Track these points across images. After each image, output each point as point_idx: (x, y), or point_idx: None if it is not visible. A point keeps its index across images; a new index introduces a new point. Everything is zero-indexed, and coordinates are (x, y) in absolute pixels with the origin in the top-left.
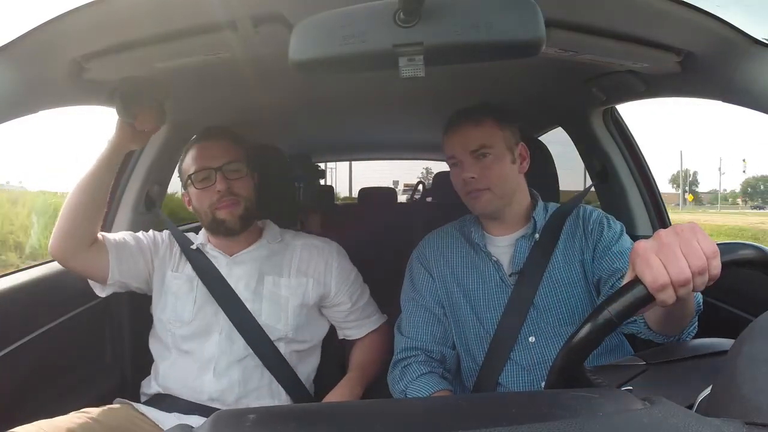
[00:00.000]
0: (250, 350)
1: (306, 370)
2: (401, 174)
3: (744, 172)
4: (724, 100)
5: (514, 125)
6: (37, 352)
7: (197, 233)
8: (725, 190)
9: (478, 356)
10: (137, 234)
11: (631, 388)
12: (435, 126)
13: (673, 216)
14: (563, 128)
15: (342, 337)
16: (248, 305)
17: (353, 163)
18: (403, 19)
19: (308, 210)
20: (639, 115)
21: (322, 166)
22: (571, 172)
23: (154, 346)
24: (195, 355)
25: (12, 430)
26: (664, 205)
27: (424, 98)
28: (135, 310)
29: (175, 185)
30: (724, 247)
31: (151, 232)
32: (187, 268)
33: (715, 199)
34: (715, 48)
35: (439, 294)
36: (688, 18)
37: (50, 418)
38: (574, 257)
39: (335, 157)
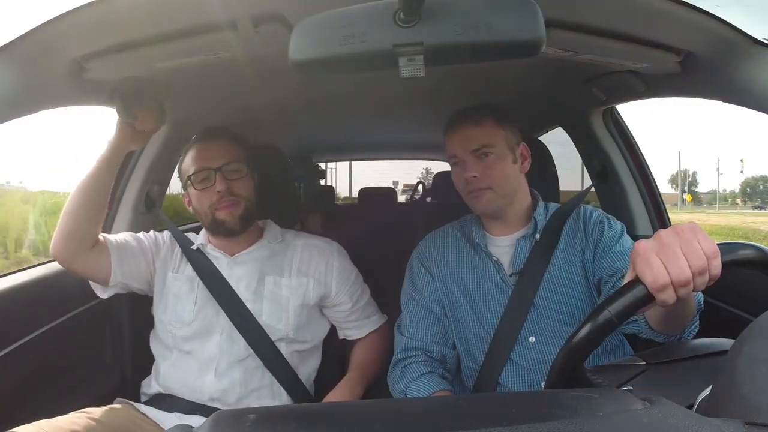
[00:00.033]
0: (251, 351)
1: (307, 370)
2: (401, 174)
3: (742, 172)
4: (724, 100)
5: (514, 125)
6: (37, 352)
7: (197, 233)
8: (725, 190)
9: (478, 356)
10: (138, 235)
11: (631, 388)
12: (435, 126)
13: (672, 216)
14: (563, 128)
15: (342, 338)
16: (249, 305)
17: (353, 163)
18: (403, 19)
19: (308, 210)
20: (638, 116)
21: (322, 166)
22: (570, 172)
23: (154, 346)
24: (196, 355)
25: (12, 430)
26: (664, 205)
27: (424, 98)
28: (135, 310)
29: (178, 185)
30: (724, 247)
31: (152, 232)
32: (188, 269)
33: (714, 200)
34: (715, 48)
35: (439, 294)
36: (688, 18)
37: (50, 418)
38: (574, 257)
39: (335, 157)
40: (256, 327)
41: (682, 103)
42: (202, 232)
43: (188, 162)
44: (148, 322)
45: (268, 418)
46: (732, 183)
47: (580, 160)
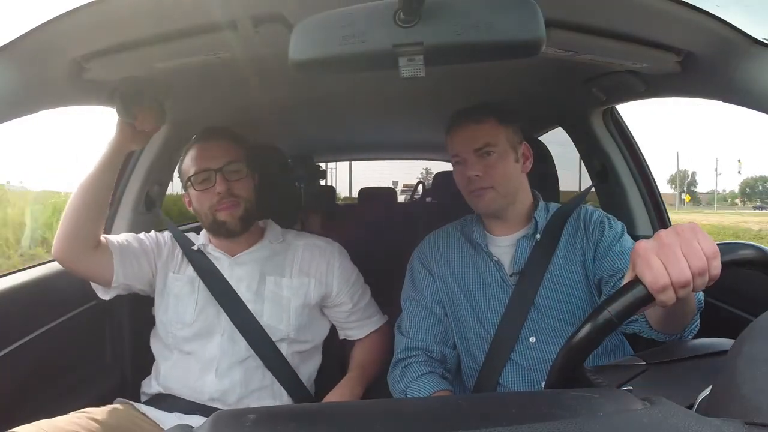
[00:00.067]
0: (252, 351)
1: (307, 370)
2: (401, 174)
3: (739, 172)
4: (724, 100)
5: (516, 124)
6: (37, 352)
7: (198, 233)
8: (725, 190)
9: (478, 356)
10: (139, 235)
11: (631, 388)
12: (435, 126)
13: (670, 216)
14: (563, 128)
15: (343, 338)
16: (250, 306)
17: (353, 163)
18: (403, 19)
19: (309, 210)
20: (637, 116)
21: (323, 166)
22: (569, 173)
23: (155, 346)
24: (197, 355)
25: (12, 430)
26: (664, 205)
27: (424, 98)
28: (135, 310)
29: (179, 185)
30: (724, 248)
31: (152, 233)
32: (189, 270)
33: (714, 200)
34: (715, 48)
35: (439, 294)
36: (688, 18)
37: (50, 418)
38: (575, 257)
39: (335, 157)
40: (257, 328)
41: (681, 103)
42: (203, 232)
43: (188, 162)
44: (148, 322)
45: (268, 418)
46: (732, 183)
47: (578, 160)
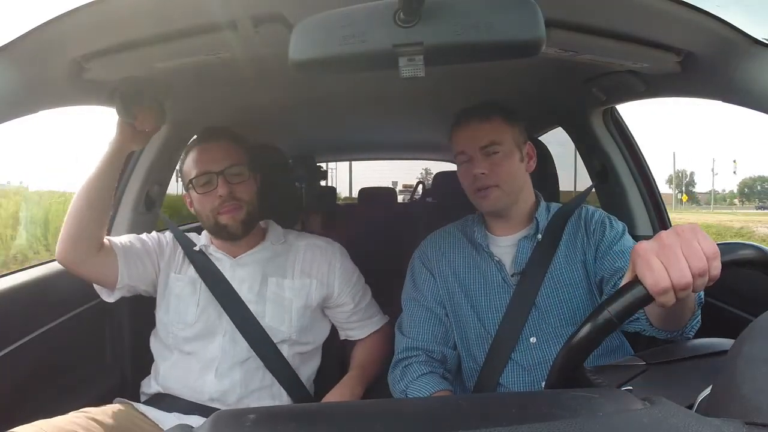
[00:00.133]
0: (253, 352)
1: (307, 371)
2: (401, 174)
3: (734, 173)
4: (724, 100)
5: (520, 124)
6: (37, 352)
7: (199, 233)
8: (724, 190)
9: (479, 356)
10: (141, 236)
11: (631, 388)
12: (435, 126)
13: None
14: (563, 128)
15: (344, 338)
16: (251, 307)
17: (353, 163)
18: (403, 19)
19: (309, 210)
20: (636, 117)
21: (323, 166)
22: (567, 173)
23: (154, 346)
24: (197, 356)
25: (12, 430)
26: (664, 205)
27: (424, 98)
28: (135, 310)
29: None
30: (724, 248)
31: (154, 233)
32: (190, 270)
33: (713, 200)
34: (715, 48)
35: (440, 294)
36: (688, 18)
37: (50, 418)
38: (575, 258)
39: (335, 157)
40: (258, 329)
41: (679, 103)
42: (204, 232)
43: (189, 164)
44: (148, 322)
45: (268, 418)
46: (731, 183)
47: (574, 160)
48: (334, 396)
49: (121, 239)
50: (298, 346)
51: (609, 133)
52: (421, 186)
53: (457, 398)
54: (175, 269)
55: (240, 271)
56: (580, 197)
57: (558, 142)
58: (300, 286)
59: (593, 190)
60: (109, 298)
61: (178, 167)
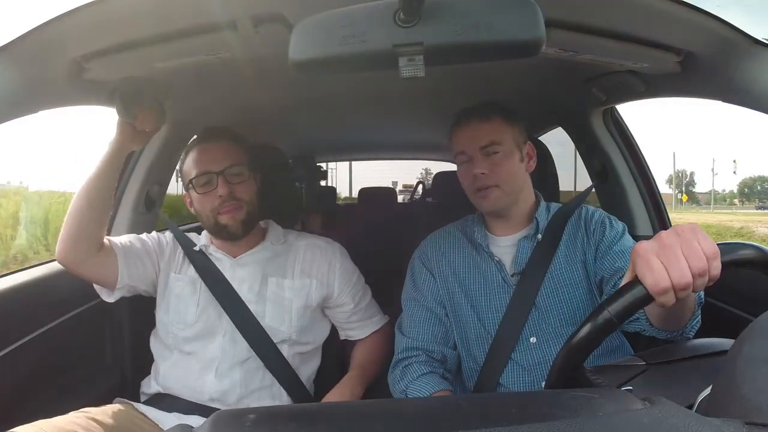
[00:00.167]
0: (253, 352)
1: (307, 371)
2: (401, 174)
3: (734, 173)
4: (724, 100)
5: (520, 124)
6: (37, 352)
7: (199, 233)
8: (724, 190)
9: (479, 356)
10: (141, 236)
11: (631, 388)
12: (435, 126)
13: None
14: (563, 128)
15: (344, 338)
16: (251, 307)
17: (353, 163)
18: (403, 19)
19: (309, 210)
20: (634, 117)
21: (323, 166)
22: (565, 173)
23: (154, 346)
24: (197, 356)
25: (12, 430)
26: (664, 205)
27: (424, 98)
28: (135, 310)
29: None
30: (724, 248)
31: (154, 233)
32: (190, 270)
33: (713, 200)
34: (715, 48)
35: (440, 294)
36: (688, 18)
37: (50, 418)
38: (575, 258)
39: (335, 157)
40: (258, 329)
41: (679, 103)
42: (204, 232)
43: (189, 164)
44: (148, 322)
45: (268, 418)
46: (731, 183)
47: (574, 160)
48: (334, 396)
49: (121, 239)
50: (298, 346)
51: (609, 133)
52: (421, 186)
53: (457, 398)
54: (175, 269)
55: (240, 271)
56: (580, 197)
57: (558, 142)
58: (300, 286)
59: (593, 190)
60: (109, 298)
61: (178, 167)
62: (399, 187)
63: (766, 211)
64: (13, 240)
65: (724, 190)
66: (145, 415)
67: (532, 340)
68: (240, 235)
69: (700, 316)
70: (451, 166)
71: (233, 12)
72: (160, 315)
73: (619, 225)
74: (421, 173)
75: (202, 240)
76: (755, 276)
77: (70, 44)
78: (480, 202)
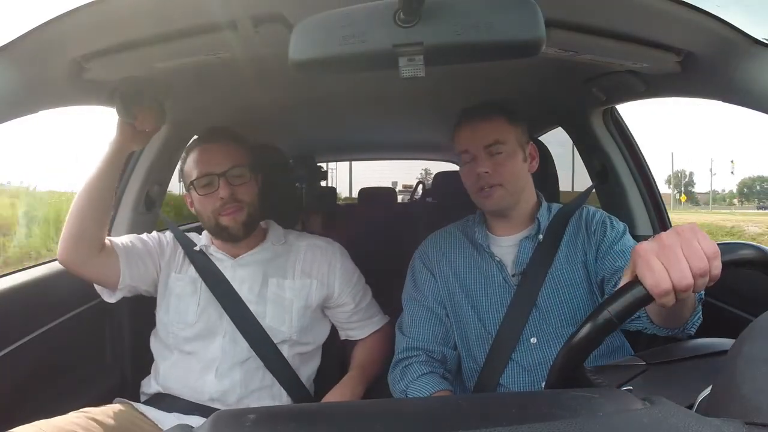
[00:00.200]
0: (253, 353)
1: (308, 371)
2: (401, 174)
3: (732, 173)
4: (724, 100)
5: (523, 124)
6: (37, 352)
7: (199, 233)
8: (724, 190)
9: (479, 357)
10: (142, 236)
11: (631, 388)
12: (435, 126)
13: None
14: (563, 128)
15: (344, 338)
16: (252, 308)
17: (353, 163)
18: (403, 19)
19: (310, 210)
20: (636, 117)
21: (323, 166)
22: (565, 173)
23: (155, 346)
24: (198, 355)
25: (12, 430)
26: (664, 205)
27: (424, 98)
28: (135, 310)
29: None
30: (724, 248)
31: (154, 233)
32: (191, 270)
33: (712, 200)
34: (715, 48)
35: (441, 294)
36: (688, 18)
37: (50, 418)
38: (576, 258)
39: (335, 157)
40: (259, 329)
41: (678, 104)
42: (205, 232)
43: (191, 165)
44: (148, 322)
45: (268, 418)
46: (730, 183)
47: (572, 160)
48: (334, 396)
49: (122, 240)
50: (298, 347)
51: (609, 133)
52: (421, 186)
53: (457, 398)
54: (176, 269)
55: (240, 272)
56: (581, 198)
57: (558, 142)
58: (300, 286)
59: (593, 190)
60: (111, 298)
61: (178, 167)
62: (399, 188)
63: (765, 211)
64: (28, 238)
65: (723, 191)
66: (145, 415)
67: (533, 340)
68: (241, 236)
69: (701, 312)
70: (451, 166)
71: (233, 12)
72: (161, 315)
73: (620, 225)
74: (421, 173)
75: (202, 240)
76: (755, 276)
77: (70, 44)
78: (483, 201)
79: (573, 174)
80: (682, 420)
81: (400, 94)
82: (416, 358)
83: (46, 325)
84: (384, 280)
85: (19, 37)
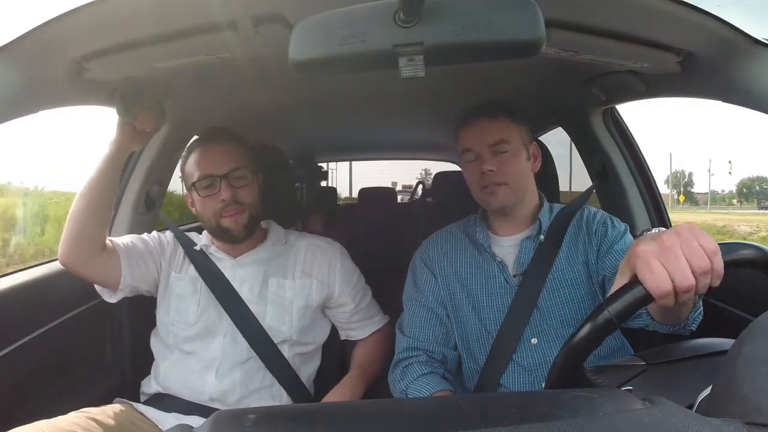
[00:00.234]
0: (254, 353)
1: (308, 372)
2: (401, 174)
3: (730, 173)
4: (724, 100)
5: (527, 124)
6: (37, 352)
7: (199, 233)
8: (723, 191)
9: (479, 357)
10: (143, 236)
11: (631, 388)
12: (435, 126)
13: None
14: (563, 128)
15: (344, 338)
16: (252, 308)
17: (353, 163)
18: (403, 19)
19: (310, 211)
20: (635, 117)
21: (324, 166)
22: (563, 173)
23: (155, 345)
24: (198, 355)
25: (12, 430)
26: (664, 205)
27: (424, 98)
28: (135, 310)
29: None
30: (724, 248)
31: (154, 233)
32: (191, 270)
33: (712, 200)
34: (715, 48)
35: (441, 294)
36: (688, 18)
37: (49, 419)
38: (577, 258)
39: (335, 157)
40: (259, 329)
41: (677, 104)
42: (205, 232)
43: (192, 166)
44: (148, 322)
45: (268, 418)
46: (730, 184)
47: (569, 160)
48: (334, 396)
49: (123, 240)
50: (298, 347)
51: (609, 133)
52: (420, 186)
53: (457, 398)
54: (176, 269)
55: (241, 272)
56: (582, 198)
57: (558, 142)
58: (301, 286)
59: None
60: (111, 298)
61: (179, 167)
62: (398, 188)
63: (766, 211)
64: (42, 236)
65: (723, 191)
66: (144, 415)
67: (533, 340)
68: (242, 238)
69: (702, 308)
70: (451, 166)
71: (233, 12)
72: (161, 315)
73: (621, 225)
74: (421, 173)
75: (202, 240)
76: (755, 276)
77: (70, 44)
78: (487, 198)
79: (570, 174)
80: (682, 420)
81: (400, 94)
82: (416, 359)
83: (46, 325)
84: (384, 280)
85: (19, 37)
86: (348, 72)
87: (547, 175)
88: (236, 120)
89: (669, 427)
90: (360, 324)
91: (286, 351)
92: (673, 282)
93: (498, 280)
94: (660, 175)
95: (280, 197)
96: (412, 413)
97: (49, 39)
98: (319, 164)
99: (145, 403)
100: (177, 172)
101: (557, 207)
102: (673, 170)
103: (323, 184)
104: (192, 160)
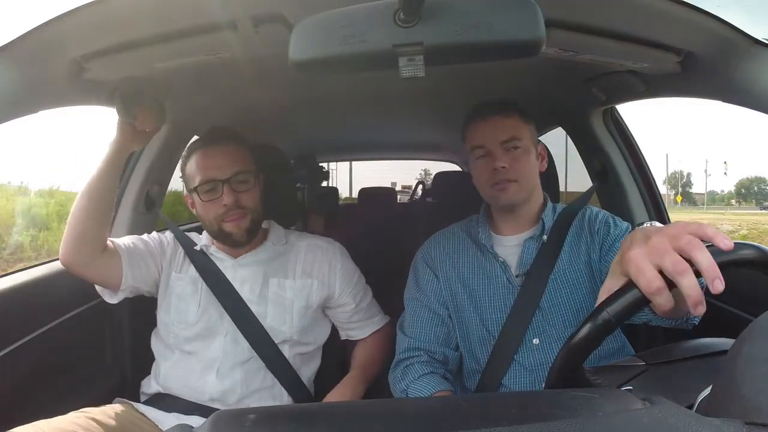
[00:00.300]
0: (254, 353)
1: (308, 372)
2: (401, 174)
3: (725, 174)
4: (724, 100)
5: (534, 124)
6: (37, 352)
7: (200, 233)
8: (722, 191)
9: (481, 358)
10: (143, 237)
11: (631, 388)
12: (435, 126)
13: None
14: (563, 128)
15: (345, 338)
16: (253, 308)
17: (353, 164)
18: (403, 19)
19: (311, 211)
20: (634, 117)
21: (325, 166)
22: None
23: (155, 345)
24: (198, 355)
25: (12, 430)
26: (664, 205)
27: (424, 98)
28: (135, 310)
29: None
30: None
31: (155, 233)
32: (191, 270)
33: (711, 200)
34: (715, 48)
35: (443, 295)
36: (688, 18)
37: (49, 418)
38: (579, 258)
39: (335, 157)
40: (260, 329)
41: (679, 104)
42: (205, 232)
43: (193, 168)
44: (148, 322)
45: (268, 418)
46: (729, 184)
47: (565, 160)
48: (335, 396)
49: (124, 241)
50: (299, 347)
51: (609, 133)
52: (420, 186)
53: (457, 398)
54: (176, 269)
55: (241, 272)
56: (584, 198)
57: (555, 142)
58: (301, 286)
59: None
60: (112, 299)
61: (179, 167)
62: (398, 188)
63: (765, 211)
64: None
65: (722, 191)
66: (144, 415)
67: (535, 341)
68: (244, 242)
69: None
70: (451, 166)
71: (233, 12)
72: (161, 315)
73: (623, 224)
74: (420, 173)
75: (203, 240)
76: (755, 276)
77: (70, 44)
78: (498, 195)
79: (566, 174)
80: (682, 420)
81: (400, 94)
82: (417, 359)
83: (46, 325)
84: (384, 280)
85: (19, 37)
86: (348, 72)
87: (549, 176)
88: (236, 120)
89: (669, 427)
90: (360, 324)
91: (286, 351)
92: (665, 271)
93: (500, 280)
94: (658, 175)
95: (281, 197)
96: (412, 413)
97: (49, 39)
98: (321, 164)
99: (146, 403)
100: (177, 172)
101: (560, 207)
102: (671, 170)
103: (324, 183)
104: (193, 162)
